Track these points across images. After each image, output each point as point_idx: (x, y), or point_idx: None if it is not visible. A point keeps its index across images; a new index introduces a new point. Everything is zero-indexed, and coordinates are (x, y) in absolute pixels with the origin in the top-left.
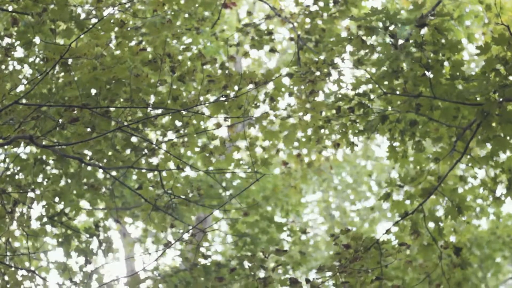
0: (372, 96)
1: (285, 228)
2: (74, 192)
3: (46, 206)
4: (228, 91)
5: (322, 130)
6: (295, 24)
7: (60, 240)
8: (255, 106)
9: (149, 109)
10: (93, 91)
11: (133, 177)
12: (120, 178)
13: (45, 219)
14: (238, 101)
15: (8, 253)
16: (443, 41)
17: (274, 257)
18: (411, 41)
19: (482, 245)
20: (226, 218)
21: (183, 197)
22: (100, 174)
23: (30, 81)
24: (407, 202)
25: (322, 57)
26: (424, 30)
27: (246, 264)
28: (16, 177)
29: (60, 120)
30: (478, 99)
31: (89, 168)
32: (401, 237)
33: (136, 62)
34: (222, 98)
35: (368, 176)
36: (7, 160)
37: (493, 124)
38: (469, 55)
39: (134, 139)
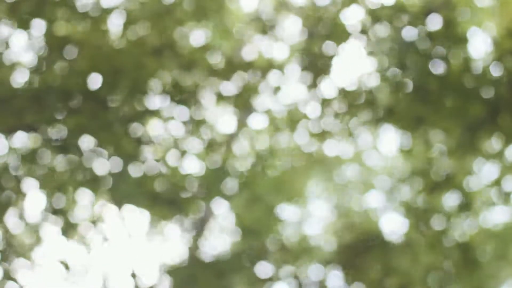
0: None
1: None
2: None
3: (46, 198)
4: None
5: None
6: (303, 15)
7: (61, 232)
8: (258, 93)
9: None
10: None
11: (134, 169)
12: (121, 169)
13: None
14: (243, 91)
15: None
16: (451, 33)
17: (278, 252)
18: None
19: (495, 241)
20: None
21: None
22: (101, 166)
23: (31, 71)
24: (414, 197)
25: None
26: (433, 25)
27: (249, 259)
28: (13, 169)
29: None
30: (487, 94)
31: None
32: (408, 233)
33: (138, 51)
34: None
35: (374, 173)
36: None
37: (503, 119)
38: (478, 49)
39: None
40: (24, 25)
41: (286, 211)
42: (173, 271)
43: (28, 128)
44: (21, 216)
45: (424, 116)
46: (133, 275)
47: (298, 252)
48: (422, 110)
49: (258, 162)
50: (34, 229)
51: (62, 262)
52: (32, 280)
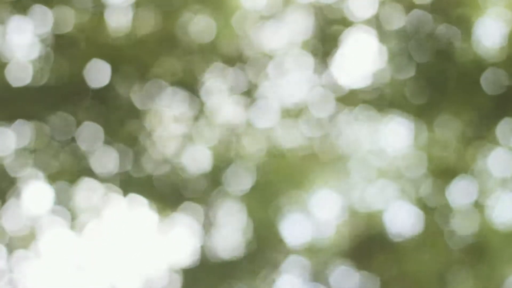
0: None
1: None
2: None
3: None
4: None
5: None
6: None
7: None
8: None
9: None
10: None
11: (141, 162)
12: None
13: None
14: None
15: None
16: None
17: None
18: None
19: (503, 239)
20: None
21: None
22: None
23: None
24: (424, 190)
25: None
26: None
27: (259, 258)
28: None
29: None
30: (498, 86)
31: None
32: (420, 232)
33: (143, 44)
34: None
35: (383, 168)
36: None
37: None
38: (491, 39)
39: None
40: (25, 11)
41: (296, 209)
42: (182, 272)
43: (31, 118)
44: (23, 210)
45: (432, 105)
46: (141, 275)
47: (308, 250)
48: (431, 99)
49: (267, 157)
50: (36, 223)
51: (66, 259)
52: (34, 276)
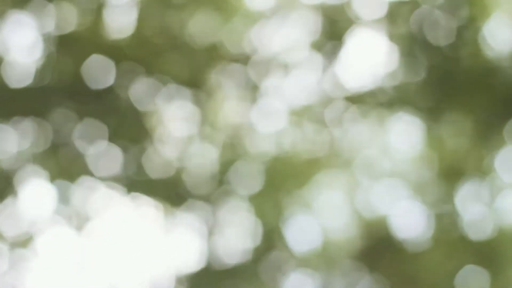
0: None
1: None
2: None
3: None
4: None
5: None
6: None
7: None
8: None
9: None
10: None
11: (144, 162)
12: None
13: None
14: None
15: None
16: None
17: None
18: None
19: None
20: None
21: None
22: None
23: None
24: (432, 193)
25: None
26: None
27: (266, 263)
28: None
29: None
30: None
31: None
32: (431, 235)
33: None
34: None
35: (392, 170)
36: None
37: None
38: (501, 39)
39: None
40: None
41: (303, 212)
42: (188, 278)
43: (32, 117)
44: (23, 209)
45: (441, 106)
46: (144, 278)
47: (315, 254)
48: (440, 100)
49: (273, 159)
50: (36, 223)
51: (67, 259)
52: (34, 276)
